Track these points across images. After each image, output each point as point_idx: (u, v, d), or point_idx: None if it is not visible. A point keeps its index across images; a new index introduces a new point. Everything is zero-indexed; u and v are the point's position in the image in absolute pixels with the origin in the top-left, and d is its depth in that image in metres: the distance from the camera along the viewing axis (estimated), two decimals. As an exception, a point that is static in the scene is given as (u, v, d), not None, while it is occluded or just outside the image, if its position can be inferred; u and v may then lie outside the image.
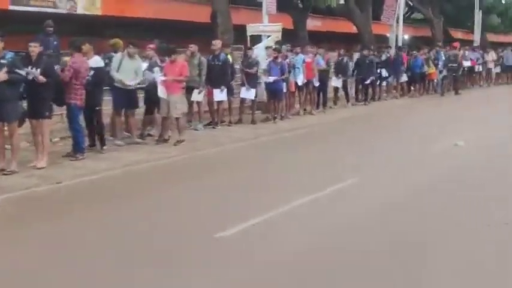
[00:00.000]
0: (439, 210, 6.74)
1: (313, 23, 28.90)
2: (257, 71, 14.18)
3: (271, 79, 14.03)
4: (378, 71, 19.48)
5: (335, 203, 7.13)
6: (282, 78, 14.13)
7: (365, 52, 18.54)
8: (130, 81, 10.75)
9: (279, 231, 6.07)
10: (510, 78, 29.22)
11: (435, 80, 23.13)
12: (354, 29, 28.80)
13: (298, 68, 15.57)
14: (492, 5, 38.79)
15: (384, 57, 19.87)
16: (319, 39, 28.95)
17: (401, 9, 24.87)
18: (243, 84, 14.03)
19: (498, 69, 27.96)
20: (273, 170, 9.17)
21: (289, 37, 24.30)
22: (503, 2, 41.73)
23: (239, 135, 12.57)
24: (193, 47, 13.14)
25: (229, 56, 13.71)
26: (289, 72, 14.71)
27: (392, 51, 22.79)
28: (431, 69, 22.49)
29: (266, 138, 12.36)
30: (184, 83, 11.65)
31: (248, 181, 8.39)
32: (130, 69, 10.80)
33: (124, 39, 11.88)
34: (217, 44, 13.46)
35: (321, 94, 16.95)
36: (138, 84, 11.07)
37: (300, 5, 24.62)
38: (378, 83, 19.84)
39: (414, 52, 22.14)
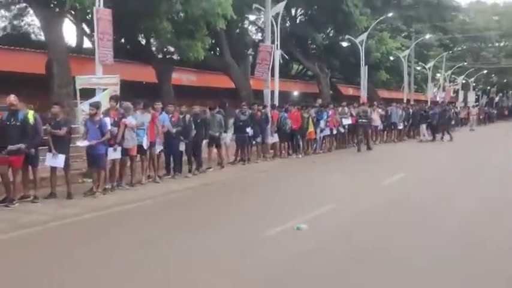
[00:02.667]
0: None
1: (187, 77, 26.73)
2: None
3: (84, 143, 11.36)
4: (247, 129, 17.44)
5: None
6: (101, 141, 11.39)
7: (196, 109, 15.58)
8: None
9: None
10: (396, 136, 28.04)
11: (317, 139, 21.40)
12: (232, 84, 26.80)
13: (143, 129, 13.08)
14: (380, 61, 38.06)
15: (246, 115, 17.60)
16: (195, 94, 26.81)
17: (276, 63, 22.95)
18: (49, 150, 11.15)
19: (381, 126, 26.52)
20: None
21: (151, 91, 21.89)
22: (391, 58, 41.31)
23: (34, 217, 9.53)
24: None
25: (30, 115, 10.77)
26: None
27: (268, 109, 20.92)
28: (310, 127, 20.70)
29: (68, 220, 9.36)
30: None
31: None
32: None
33: None
34: (12, 99, 10.52)
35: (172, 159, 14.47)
36: None
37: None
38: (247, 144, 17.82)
39: (286, 108, 20.18)
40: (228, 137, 16.95)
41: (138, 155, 13.16)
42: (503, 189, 12.61)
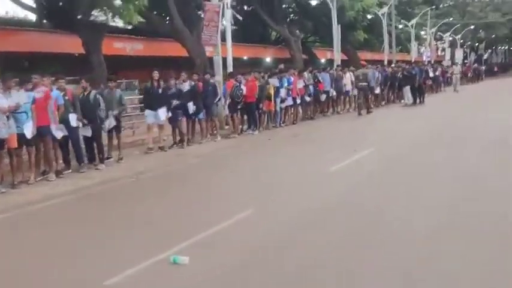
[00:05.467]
0: None
1: (132, 46, 23.61)
2: None
3: None
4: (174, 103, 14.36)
5: None
6: None
7: (111, 84, 12.62)
8: None
9: None
10: (373, 102, 24.95)
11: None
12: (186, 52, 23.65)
13: (24, 112, 10.12)
14: (355, 19, 34.63)
15: (187, 87, 14.65)
16: (143, 65, 23.71)
17: (228, 25, 19.85)
18: None
19: (354, 91, 23.54)
20: None
21: (79, 64, 18.92)
22: (368, 16, 37.86)
23: None
24: None
25: None
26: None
27: (219, 78, 18.00)
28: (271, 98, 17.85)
29: None
30: None
31: None
32: None
33: None
34: None
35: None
36: None
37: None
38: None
39: (239, 77, 17.11)
40: (162, 114, 13.69)
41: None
42: (484, 169, 9.75)
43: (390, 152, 12.20)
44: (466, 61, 60.55)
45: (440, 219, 6.70)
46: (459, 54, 58.11)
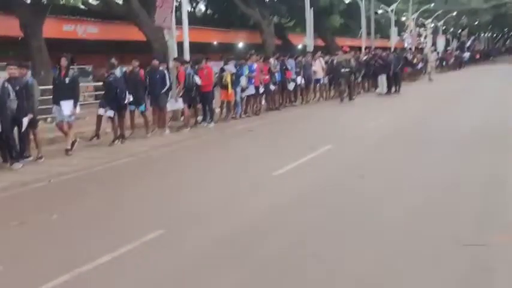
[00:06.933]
0: None
1: (84, 29, 21.85)
2: None
3: None
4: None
5: None
6: None
7: (12, 71, 10.89)
8: None
9: None
10: (354, 91, 23.27)
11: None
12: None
13: None
14: (331, 3, 32.91)
15: (119, 74, 13.07)
16: (97, 50, 22.09)
17: (184, 7, 18.20)
18: None
19: (325, 80, 22.08)
20: None
21: (16, 48, 17.22)
22: (345, 1, 36.17)
23: None
24: None
25: None
26: None
27: (171, 64, 16.40)
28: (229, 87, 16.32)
29: None
30: None
31: None
32: None
33: None
34: None
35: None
36: None
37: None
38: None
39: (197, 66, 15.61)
40: (66, 108, 11.29)
41: None
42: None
43: (349, 150, 10.69)
44: (448, 48, 59.24)
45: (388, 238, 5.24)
46: (441, 41, 56.76)
